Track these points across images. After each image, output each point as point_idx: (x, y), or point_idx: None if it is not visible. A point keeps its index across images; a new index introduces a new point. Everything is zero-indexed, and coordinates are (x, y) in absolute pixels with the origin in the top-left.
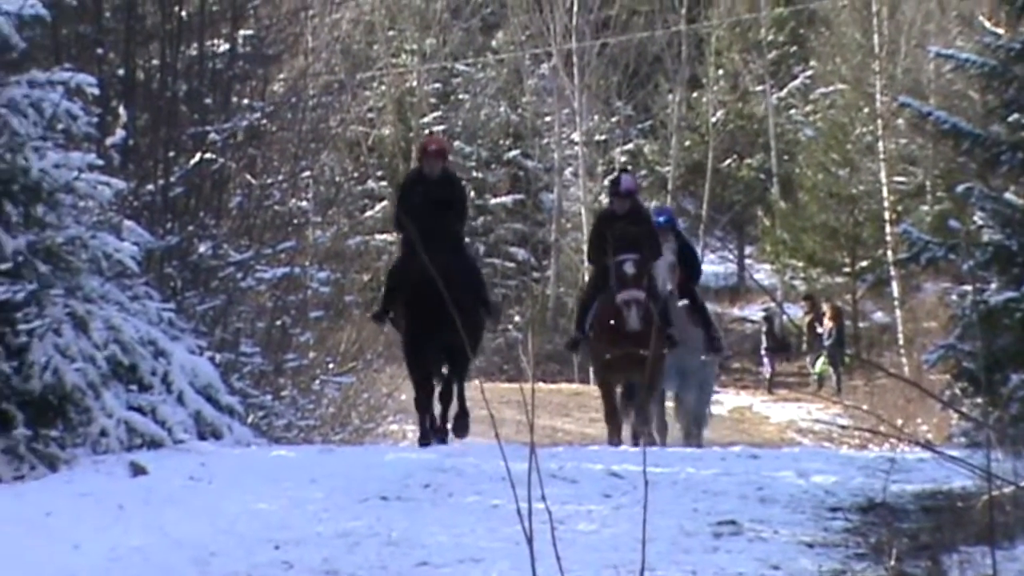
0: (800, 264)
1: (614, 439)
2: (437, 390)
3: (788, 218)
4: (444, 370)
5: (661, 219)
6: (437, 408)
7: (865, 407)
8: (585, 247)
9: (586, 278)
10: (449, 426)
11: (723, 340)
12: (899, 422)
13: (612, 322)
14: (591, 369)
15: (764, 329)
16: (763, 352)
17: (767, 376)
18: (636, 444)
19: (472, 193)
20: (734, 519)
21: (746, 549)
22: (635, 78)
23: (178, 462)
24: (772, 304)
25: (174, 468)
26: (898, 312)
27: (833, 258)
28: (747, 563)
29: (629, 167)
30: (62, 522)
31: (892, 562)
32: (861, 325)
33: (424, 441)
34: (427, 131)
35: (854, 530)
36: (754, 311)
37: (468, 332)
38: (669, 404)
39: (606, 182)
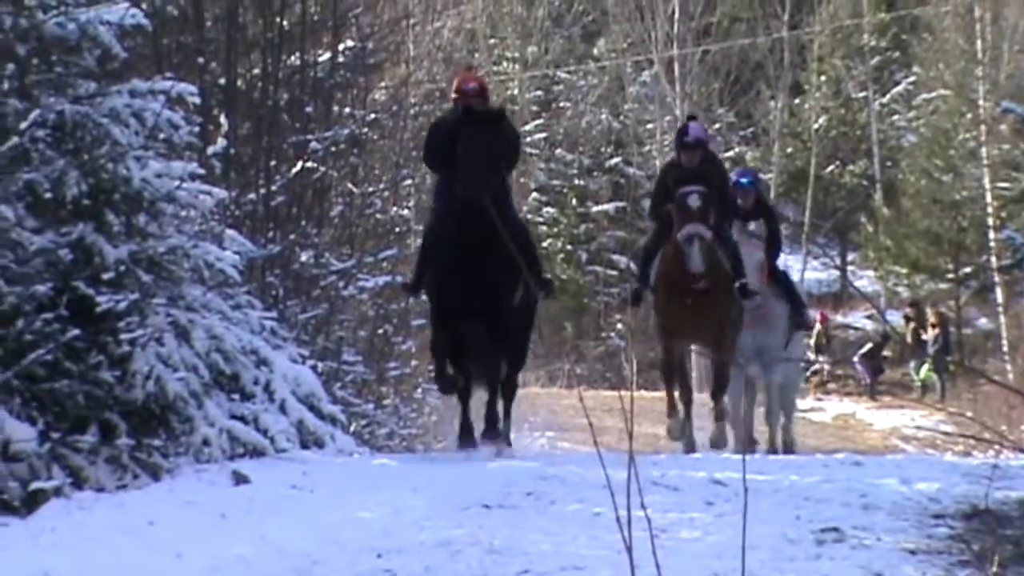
0: (903, 270)
1: (671, 424)
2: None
3: (891, 224)
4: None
5: (744, 180)
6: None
7: (969, 414)
8: None
9: None
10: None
11: (810, 316)
12: (1003, 428)
13: (676, 269)
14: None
15: (871, 345)
16: (856, 360)
17: (868, 382)
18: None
19: (574, 200)
20: (837, 526)
21: (849, 556)
22: (737, 85)
23: (280, 471)
24: (875, 321)
25: (276, 477)
26: (1002, 318)
27: (936, 264)
28: (850, 570)
29: (696, 115)
30: (164, 531)
31: (995, 568)
32: (965, 332)
33: (464, 442)
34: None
35: (957, 537)
36: (857, 318)
37: (515, 310)
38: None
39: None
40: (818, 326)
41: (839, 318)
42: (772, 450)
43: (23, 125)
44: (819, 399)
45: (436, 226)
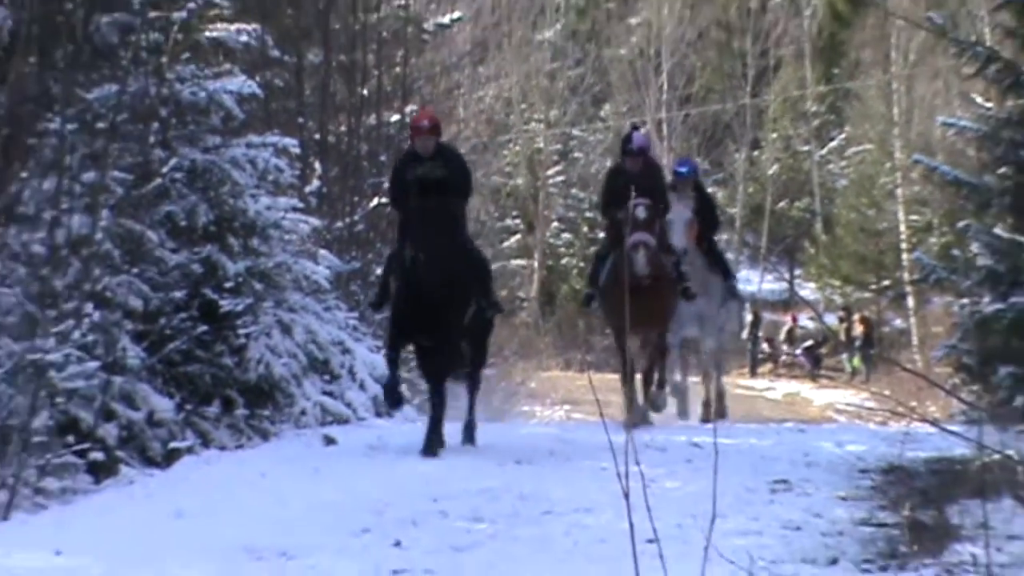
0: (837, 283)
1: (627, 416)
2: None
3: (828, 247)
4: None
5: (683, 169)
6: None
7: (887, 393)
8: None
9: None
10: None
11: (739, 288)
12: (913, 404)
13: (624, 271)
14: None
15: (812, 341)
16: (800, 352)
17: (810, 369)
18: (650, 388)
19: (585, 228)
20: (786, 479)
21: (795, 502)
22: (711, 140)
23: (360, 435)
24: (816, 322)
25: (357, 439)
26: (912, 320)
27: (863, 278)
28: (796, 512)
29: (640, 124)
30: (272, 481)
31: (907, 512)
32: (884, 330)
33: (393, 403)
34: (419, 112)
35: (878, 487)
36: (802, 320)
37: (467, 325)
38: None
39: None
40: (789, 323)
41: (788, 319)
42: (706, 413)
43: (164, 169)
44: (772, 381)
45: (396, 255)
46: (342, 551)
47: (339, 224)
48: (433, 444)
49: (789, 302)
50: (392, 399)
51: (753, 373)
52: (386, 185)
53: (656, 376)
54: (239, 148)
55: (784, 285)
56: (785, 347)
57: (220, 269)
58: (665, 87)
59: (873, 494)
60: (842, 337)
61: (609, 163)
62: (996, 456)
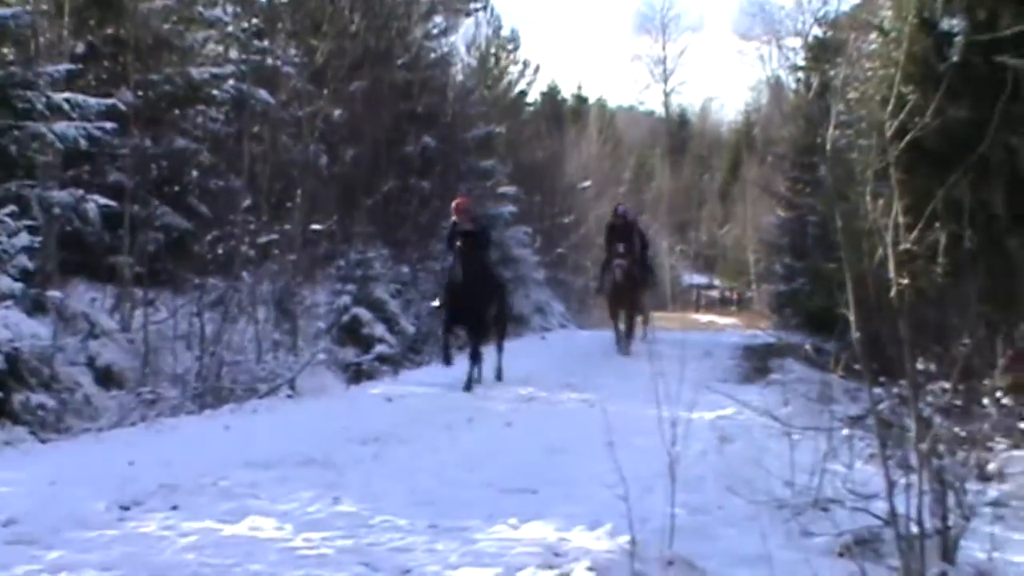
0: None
1: (617, 338)
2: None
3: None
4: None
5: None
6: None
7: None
8: None
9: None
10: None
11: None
12: (759, 324)
13: (612, 278)
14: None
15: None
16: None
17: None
18: (628, 338)
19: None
20: (707, 351)
21: (709, 359)
22: None
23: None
24: None
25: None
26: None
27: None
28: (709, 361)
29: (622, 203)
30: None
31: (753, 362)
32: (748, 295)
33: (446, 363)
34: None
35: (743, 355)
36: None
37: (485, 312)
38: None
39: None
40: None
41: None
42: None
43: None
44: (703, 314)
45: (447, 278)
46: (419, 437)
47: None
48: (470, 385)
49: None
50: (445, 360)
51: (696, 310)
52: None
53: (631, 332)
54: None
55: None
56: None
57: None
58: None
59: (740, 356)
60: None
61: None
62: (787, 342)
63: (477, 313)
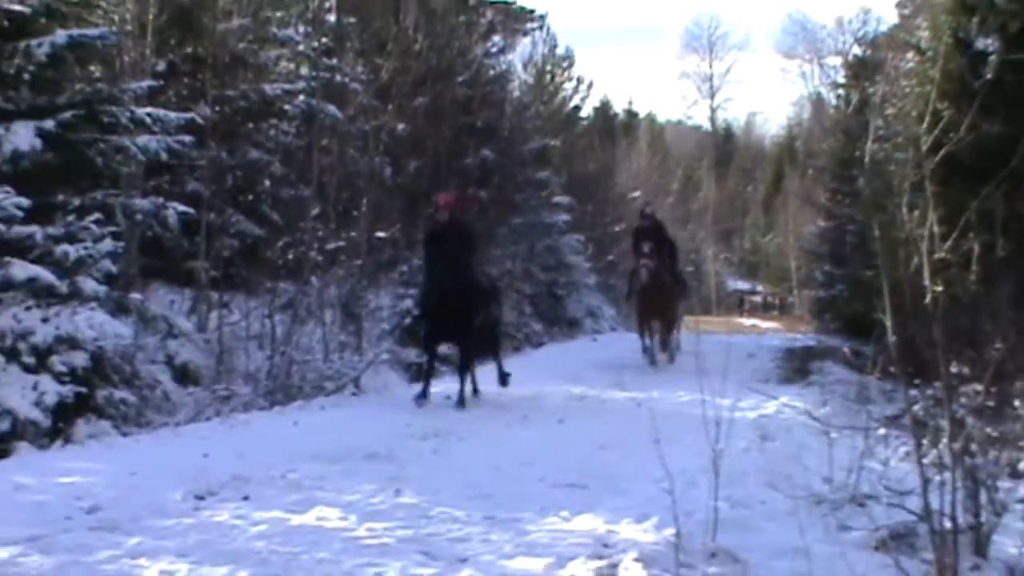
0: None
1: (644, 347)
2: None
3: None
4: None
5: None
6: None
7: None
8: None
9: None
10: (477, 389)
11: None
12: (799, 327)
13: (640, 280)
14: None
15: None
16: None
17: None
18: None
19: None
20: (751, 352)
21: (753, 360)
22: None
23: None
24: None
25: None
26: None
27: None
28: (753, 363)
29: (650, 203)
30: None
31: (793, 363)
32: (789, 299)
33: (420, 399)
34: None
35: (783, 356)
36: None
37: (471, 321)
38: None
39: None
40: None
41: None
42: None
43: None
44: (746, 318)
45: (423, 287)
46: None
47: None
48: (463, 401)
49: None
50: (423, 392)
51: (740, 315)
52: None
53: (661, 341)
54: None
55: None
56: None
57: None
58: None
59: (781, 358)
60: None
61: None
62: (826, 345)
63: (462, 323)
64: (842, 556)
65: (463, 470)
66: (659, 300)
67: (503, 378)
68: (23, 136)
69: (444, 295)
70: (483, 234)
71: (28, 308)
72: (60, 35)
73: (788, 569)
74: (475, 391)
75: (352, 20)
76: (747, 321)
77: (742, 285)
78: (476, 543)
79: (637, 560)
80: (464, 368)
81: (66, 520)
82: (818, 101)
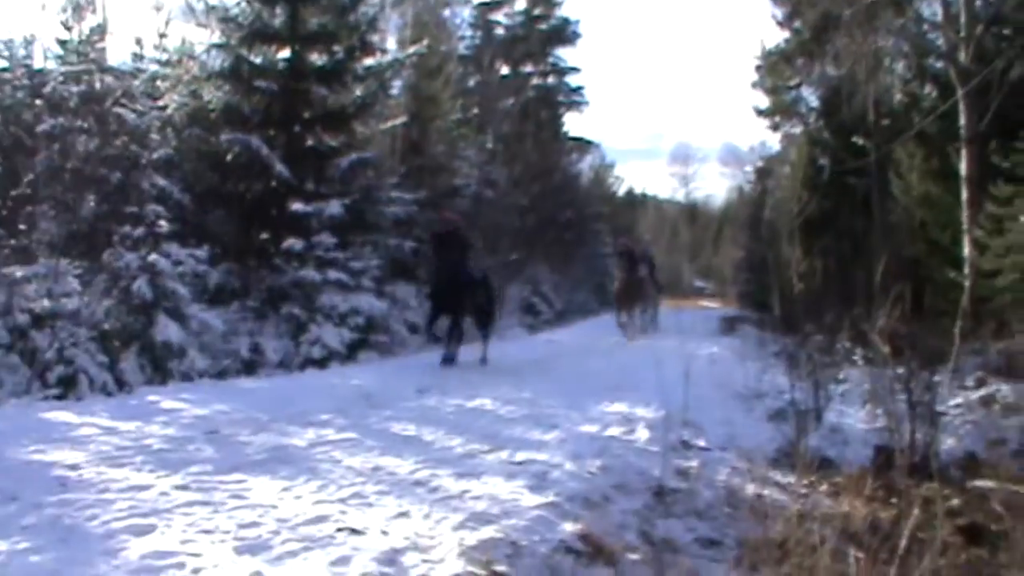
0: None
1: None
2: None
3: None
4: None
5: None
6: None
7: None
8: None
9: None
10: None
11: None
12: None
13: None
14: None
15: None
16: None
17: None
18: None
19: None
20: (705, 319)
21: (707, 327)
22: None
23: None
24: None
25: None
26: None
27: None
28: (705, 329)
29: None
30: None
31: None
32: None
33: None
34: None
35: (721, 322)
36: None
37: (464, 299)
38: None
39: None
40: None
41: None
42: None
43: None
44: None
45: (433, 281)
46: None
47: None
48: (450, 359)
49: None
50: (430, 337)
51: (699, 300)
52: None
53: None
54: None
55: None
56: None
57: None
58: None
59: (719, 321)
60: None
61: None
62: (744, 315)
63: (456, 300)
64: (752, 424)
65: (557, 381)
66: (630, 292)
67: (484, 358)
68: (334, 207)
69: (447, 282)
70: (474, 242)
71: (336, 294)
72: (353, 157)
73: (724, 432)
74: (483, 360)
75: (500, 144)
76: (703, 303)
77: (700, 283)
78: (561, 418)
79: (645, 427)
80: (451, 331)
81: (353, 400)
82: (741, 190)
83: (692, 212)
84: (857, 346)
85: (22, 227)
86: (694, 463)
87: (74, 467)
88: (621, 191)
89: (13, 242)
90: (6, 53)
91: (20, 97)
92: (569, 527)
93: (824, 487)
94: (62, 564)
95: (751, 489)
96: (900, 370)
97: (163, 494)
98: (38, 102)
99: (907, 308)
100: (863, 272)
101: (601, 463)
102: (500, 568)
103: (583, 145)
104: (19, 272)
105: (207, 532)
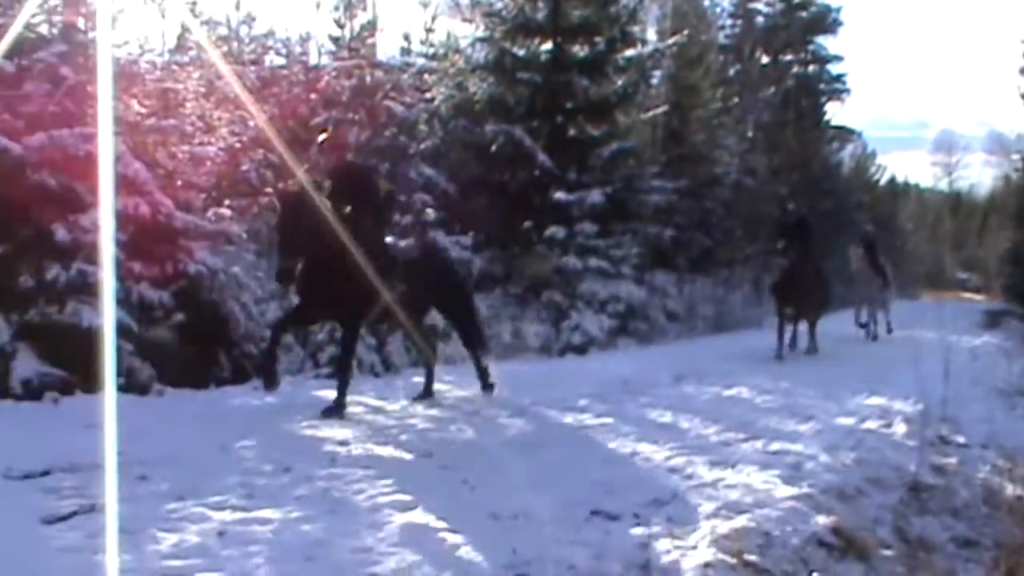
0: None
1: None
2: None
3: None
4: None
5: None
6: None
7: None
8: None
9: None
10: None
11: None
12: None
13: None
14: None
15: None
16: None
17: None
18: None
19: None
20: (966, 312)
21: (967, 320)
22: None
23: None
24: None
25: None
26: None
27: None
28: (967, 322)
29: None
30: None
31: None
32: None
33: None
34: None
35: (984, 315)
36: None
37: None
38: None
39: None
40: None
41: None
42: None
43: None
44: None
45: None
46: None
47: None
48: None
49: None
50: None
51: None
52: None
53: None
54: None
55: None
56: None
57: None
58: None
59: (983, 315)
60: None
61: None
62: (1009, 308)
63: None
64: (1014, 422)
65: (813, 373)
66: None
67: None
68: (596, 195)
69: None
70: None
71: (596, 281)
72: (614, 146)
73: (984, 429)
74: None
75: (759, 133)
76: (966, 295)
77: (963, 276)
78: (817, 409)
79: (904, 420)
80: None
81: (612, 386)
82: (1008, 179)
83: (956, 202)
84: None
85: None
86: (952, 460)
87: (343, 443)
88: (883, 180)
89: None
90: (283, 51)
91: (296, 92)
92: (822, 520)
93: None
94: (331, 534)
95: (1012, 490)
96: None
97: (424, 471)
98: (313, 96)
99: None
100: None
101: (856, 456)
102: (751, 558)
103: (844, 134)
104: None
105: (465, 508)
